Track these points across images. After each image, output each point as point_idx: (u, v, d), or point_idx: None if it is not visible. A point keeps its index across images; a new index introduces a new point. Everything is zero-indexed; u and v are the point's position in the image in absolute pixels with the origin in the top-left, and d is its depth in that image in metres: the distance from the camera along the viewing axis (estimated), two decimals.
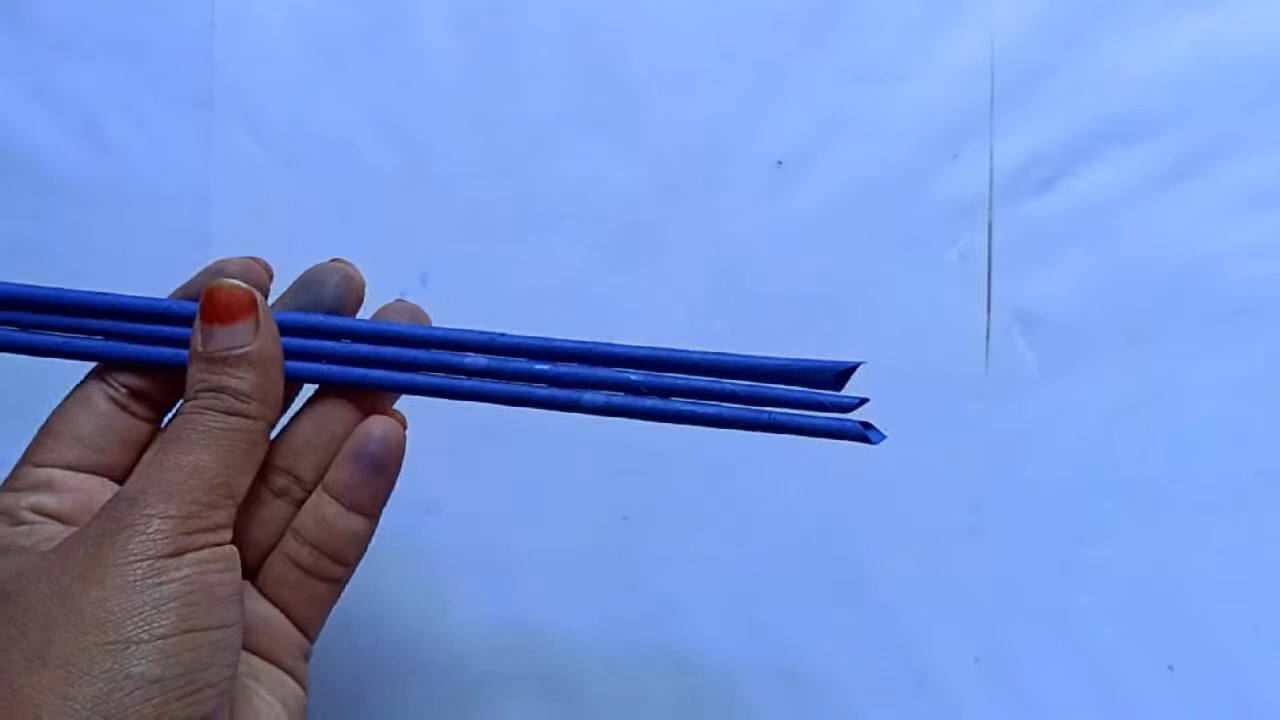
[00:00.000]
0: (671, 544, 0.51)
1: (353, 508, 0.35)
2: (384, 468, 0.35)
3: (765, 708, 0.50)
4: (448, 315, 0.51)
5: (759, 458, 0.51)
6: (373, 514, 0.36)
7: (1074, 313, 0.51)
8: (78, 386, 0.35)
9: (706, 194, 0.52)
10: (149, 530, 0.30)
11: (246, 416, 0.33)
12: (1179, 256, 0.51)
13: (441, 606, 0.51)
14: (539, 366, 0.35)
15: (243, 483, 0.33)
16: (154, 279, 0.53)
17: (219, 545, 0.31)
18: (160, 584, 0.29)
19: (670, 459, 0.51)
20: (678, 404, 0.34)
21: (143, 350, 0.35)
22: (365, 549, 0.36)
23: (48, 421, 0.35)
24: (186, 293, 0.36)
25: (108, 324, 0.35)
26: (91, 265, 0.53)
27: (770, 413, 0.34)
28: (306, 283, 0.36)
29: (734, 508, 0.51)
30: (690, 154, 0.53)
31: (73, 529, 0.32)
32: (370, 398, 0.36)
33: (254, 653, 0.35)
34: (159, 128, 0.54)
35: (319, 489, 0.35)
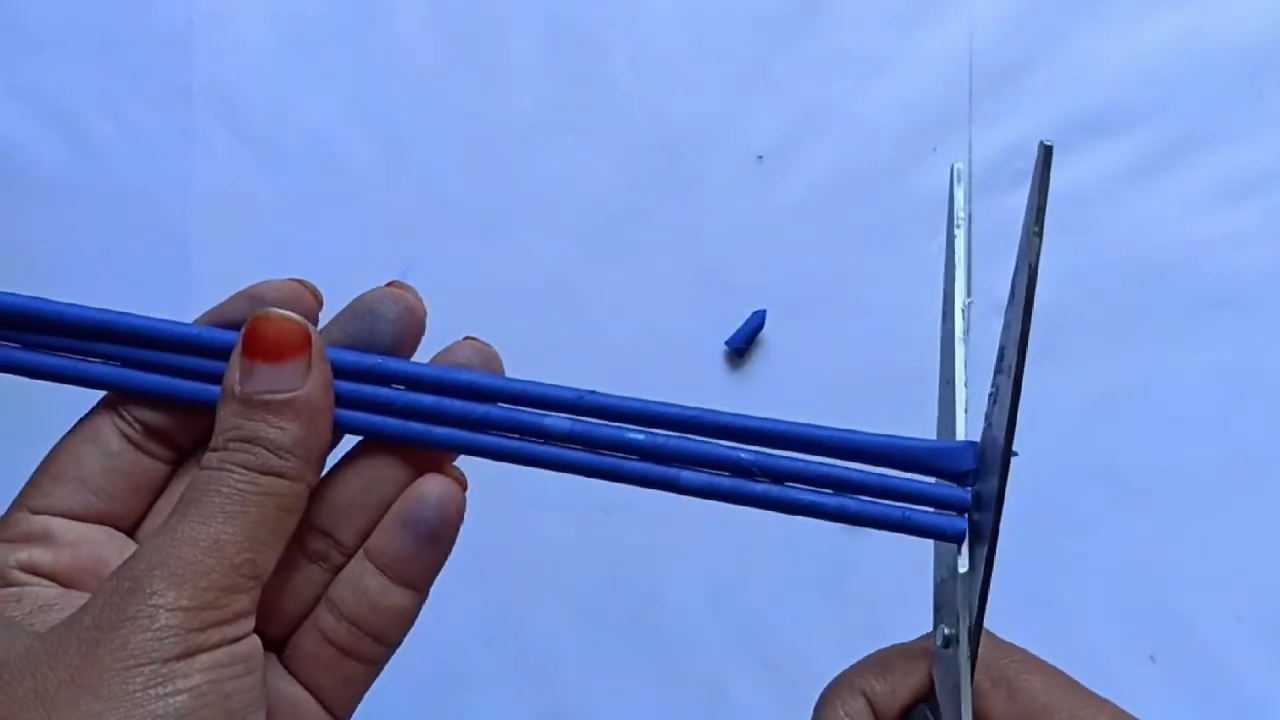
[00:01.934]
0: (653, 538, 0.51)
1: (399, 581, 0.30)
2: (439, 538, 0.30)
3: (749, 700, 0.50)
4: (431, 309, 0.51)
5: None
6: (422, 588, 0.31)
7: (1054, 305, 0.51)
8: (84, 418, 0.30)
9: (688, 188, 0.52)
10: (155, 626, 0.24)
11: (283, 477, 0.27)
12: (1158, 248, 0.51)
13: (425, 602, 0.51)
14: (632, 435, 0.31)
15: (271, 558, 0.27)
16: (134, 275, 0.53)
17: (238, 641, 0.26)
18: (165, 696, 0.24)
19: None
20: (794, 492, 0.30)
21: (166, 382, 0.29)
22: (410, 626, 0.31)
23: (48, 459, 0.30)
24: (220, 318, 0.30)
25: (124, 350, 0.30)
26: (71, 262, 0.53)
27: (905, 510, 0.30)
28: (360, 312, 0.30)
29: (716, 505, 0.51)
30: (671, 148, 0.53)
31: (70, 595, 0.28)
32: (428, 453, 0.31)
33: None
34: (138, 125, 0.53)
35: (360, 554, 0.30)
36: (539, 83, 0.53)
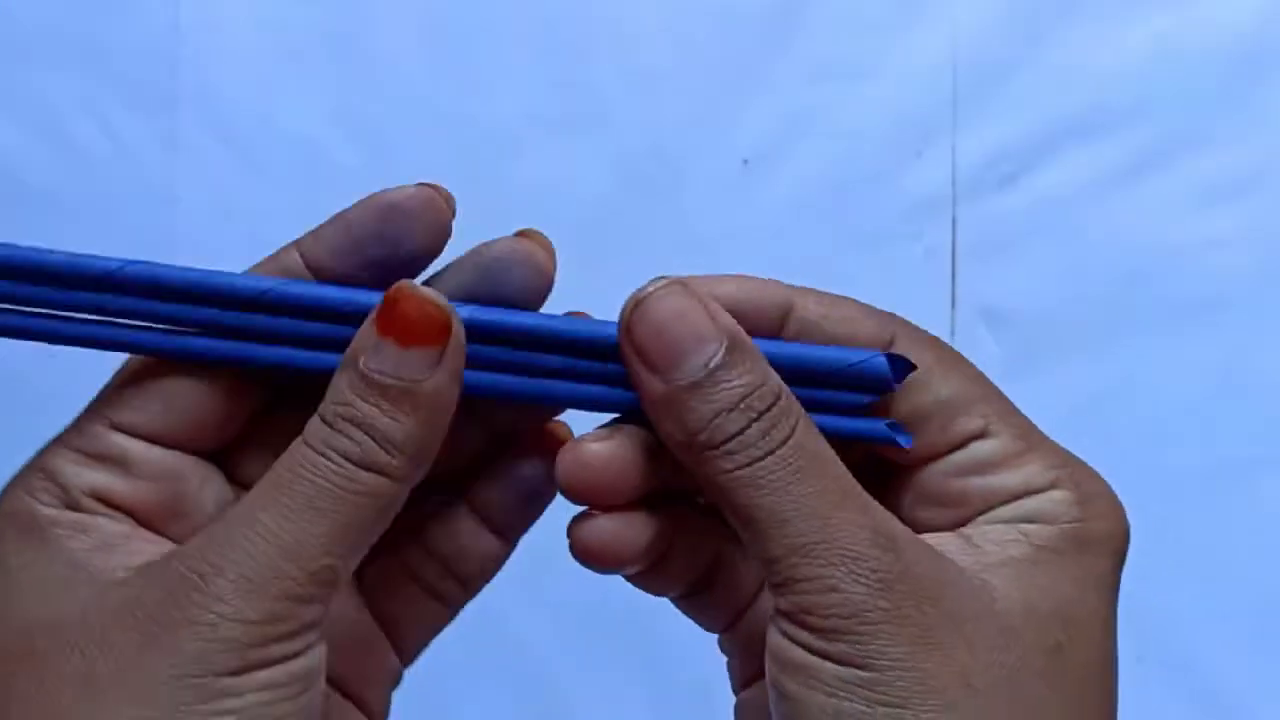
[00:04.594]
0: None
1: (493, 529, 0.28)
2: (542, 497, 0.28)
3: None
4: None
5: None
6: (512, 540, 0.29)
7: (1038, 307, 0.51)
8: None
9: (674, 192, 0.52)
10: (213, 637, 0.22)
11: (388, 476, 0.24)
12: (1142, 250, 0.51)
13: None
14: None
15: (353, 564, 0.24)
16: None
17: (300, 655, 0.23)
18: (211, 715, 0.22)
19: None
20: None
21: (269, 353, 0.26)
22: (494, 575, 0.29)
23: (131, 367, 0.26)
24: (343, 229, 0.26)
25: (205, 311, 0.25)
26: None
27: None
28: (481, 267, 0.27)
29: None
30: (657, 153, 0.53)
31: (139, 536, 0.25)
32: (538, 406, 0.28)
33: (336, 684, 0.27)
34: (123, 130, 0.53)
35: (455, 490, 0.28)
36: (524, 89, 0.53)
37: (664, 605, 0.53)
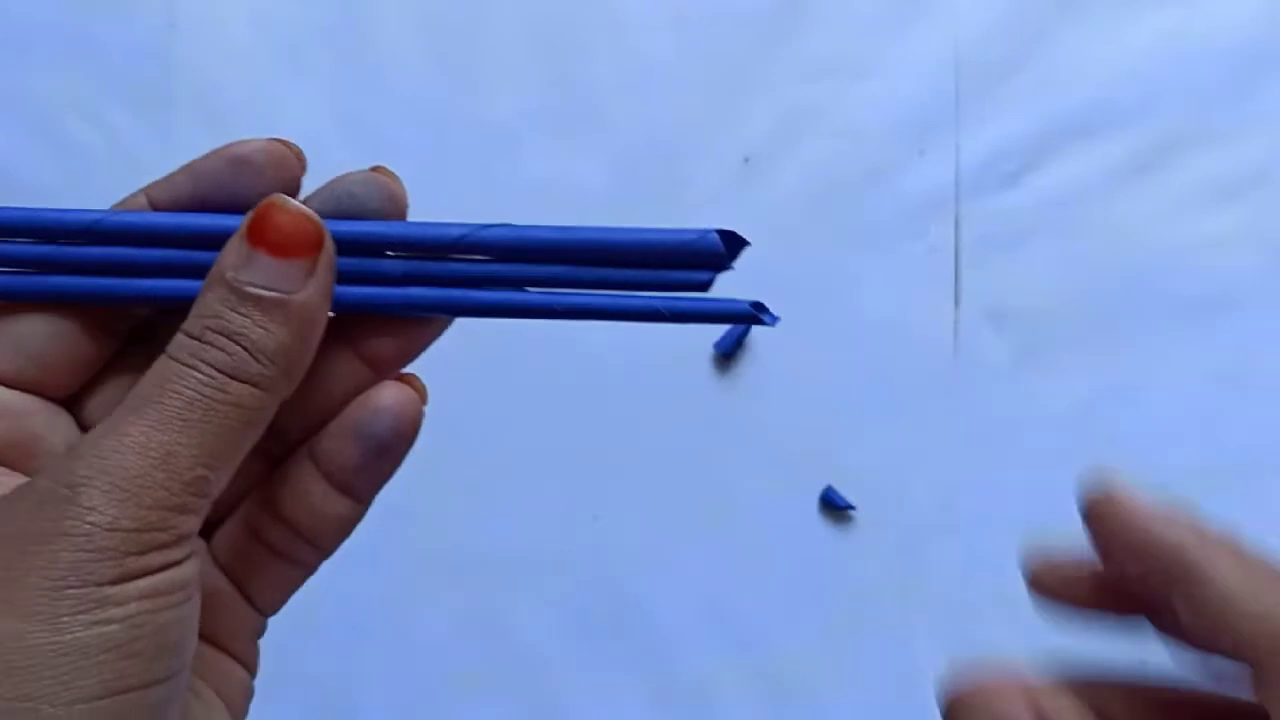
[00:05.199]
0: (641, 543, 0.51)
1: (342, 490, 0.27)
2: (390, 453, 0.27)
3: (737, 706, 0.50)
4: None
5: (728, 456, 0.51)
6: (365, 501, 0.28)
7: (1042, 305, 0.51)
8: None
9: (674, 191, 0.52)
10: (89, 546, 0.22)
11: (256, 386, 0.24)
12: (1145, 249, 0.51)
13: (411, 606, 0.51)
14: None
15: (225, 475, 0.24)
16: None
17: (179, 564, 0.23)
18: (96, 624, 0.22)
19: (640, 458, 0.51)
20: (537, 297, 0.28)
21: (134, 285, 0.26)
22: (348, 536, 0.29)
23: None
24: (192, 176, 0.27)
25: (43, 249, 0.27)
26: None
27: (651, 299, 0.28)
28: (339, 194, 0.27)
29: (704, 507, 0.51)
30: (657, 151, 0.52)
31: None
32: (384, 357, 0.28)
33: (201, 637, 0.27)
34: (119, 129, 0.53)
35: (303, 453, 0.28)
36: (522, 86, 0.53)
37: (665, 605, 0.53)
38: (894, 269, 0.51)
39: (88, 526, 0.22)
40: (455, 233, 0.28)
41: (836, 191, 0.52)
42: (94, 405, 0.27)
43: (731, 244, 0.27)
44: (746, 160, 0.52)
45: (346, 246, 0.26)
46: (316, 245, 0.25)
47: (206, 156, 0.26)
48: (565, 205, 0.52)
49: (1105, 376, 0.51)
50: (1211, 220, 0.51)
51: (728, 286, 0.27)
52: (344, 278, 0.26)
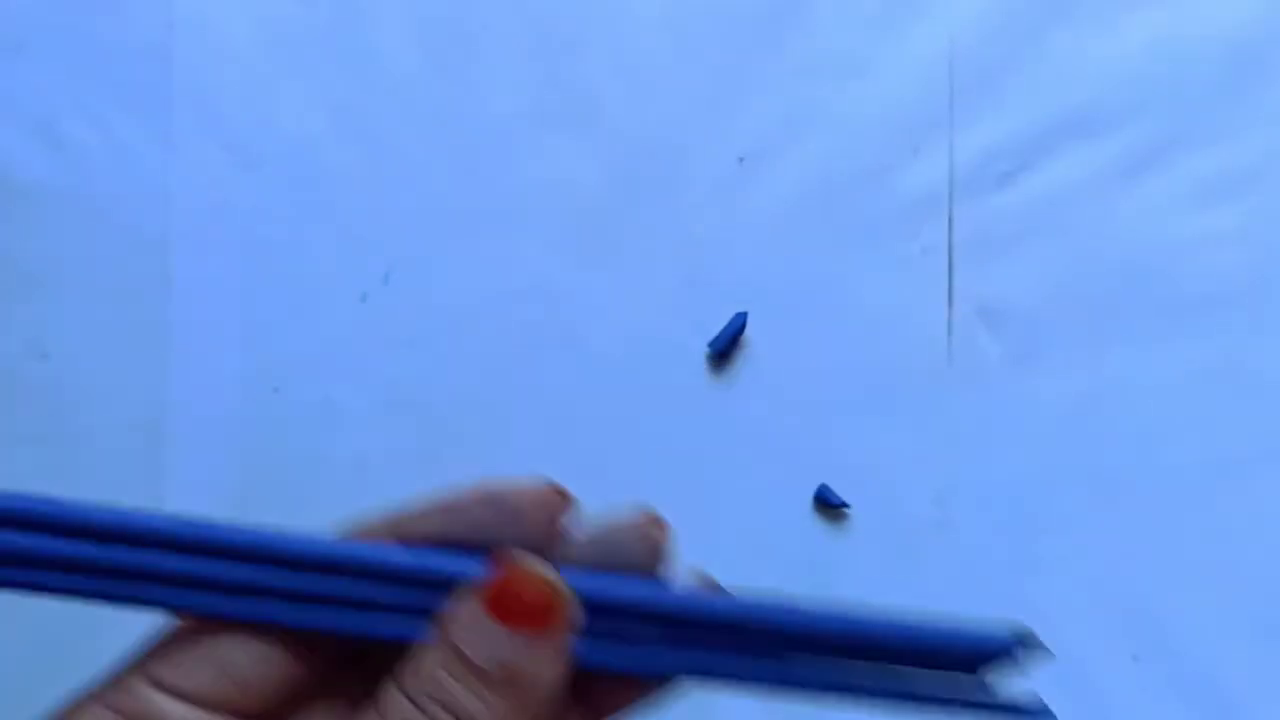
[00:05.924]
0: None
1: None
2: None
3: (734, 705, 0.50)
4: (410, 314, 0.51)
5: (722, 454, 0.51)
6: None
7: (1035, 305, 0.51)
8: None
9: (669, 190, 0.52)
10: None
11: None
12: (1139, 249, 0.51)
13: None
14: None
15: None
16: (114, 282, 0.52)
17: None
18: None
19: (633, 455, 0.51)
20: (802, 672, 0.26)
21: (349, 619, 0.24)
22: None
23: (180, 626, 0.24)
24: (448, 509, 0.24)
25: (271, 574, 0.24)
26: (50, 269, 0.52)
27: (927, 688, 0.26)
28: (606, 546, 0.25)
29: (698, 505, 0.51)
30: (652, 151, 0.52)
31: None
32: (610, 710, 0.26)
33: None
34: (118, 129, 0.53)
35: None
36: (518, 85, 0.53)
37: None
38: (888, 268, 0.51)
39: None
40: (721, 607, 0.25)
41: (830, 190, 0.52)
42: None
43: (1018, 643, 0.24)
44: (741, 160, 0.52)
45: (596, 610, 0.24)
46: (559, 618, 0.22)
47: (466, 493, 0.24)
48: (563, 204, 0.52)
49: (1099, 375, 0.51)
50: (1205, 219, 0.51)
51: None
52: (585, 633, 0.24)
